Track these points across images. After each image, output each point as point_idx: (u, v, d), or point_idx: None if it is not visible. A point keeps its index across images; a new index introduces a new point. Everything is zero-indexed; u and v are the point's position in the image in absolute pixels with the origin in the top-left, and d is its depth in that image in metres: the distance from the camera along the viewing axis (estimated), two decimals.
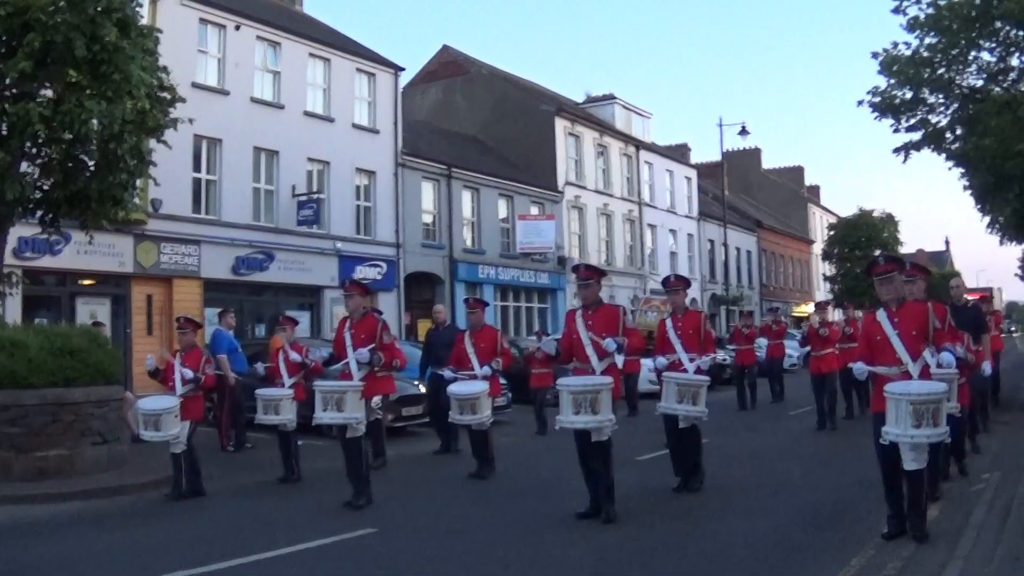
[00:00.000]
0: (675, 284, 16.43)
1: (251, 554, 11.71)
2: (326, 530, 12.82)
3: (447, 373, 19.38)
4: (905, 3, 35.08)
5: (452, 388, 18.28)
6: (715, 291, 72.62)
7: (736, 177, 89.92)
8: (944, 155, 37.31)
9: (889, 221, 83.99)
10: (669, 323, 16.00)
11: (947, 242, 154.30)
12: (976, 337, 17.07)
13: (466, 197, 51.21)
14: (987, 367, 18.41)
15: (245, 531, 13.43)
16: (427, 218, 48.52)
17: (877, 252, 79.06)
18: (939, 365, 11.48)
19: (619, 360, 13.79)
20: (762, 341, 36.10)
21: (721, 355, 28.92)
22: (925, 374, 11.34)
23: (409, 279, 46.51)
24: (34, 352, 17.87)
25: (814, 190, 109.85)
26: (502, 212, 53.53)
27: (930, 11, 34.43)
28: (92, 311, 32.50)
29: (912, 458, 10.96)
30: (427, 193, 48.90)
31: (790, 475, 17.53)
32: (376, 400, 16.85)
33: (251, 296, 40.01)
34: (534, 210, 54.83)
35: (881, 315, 11.74)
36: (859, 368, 11.75)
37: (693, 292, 69.50)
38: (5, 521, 14.23)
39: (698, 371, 15.50)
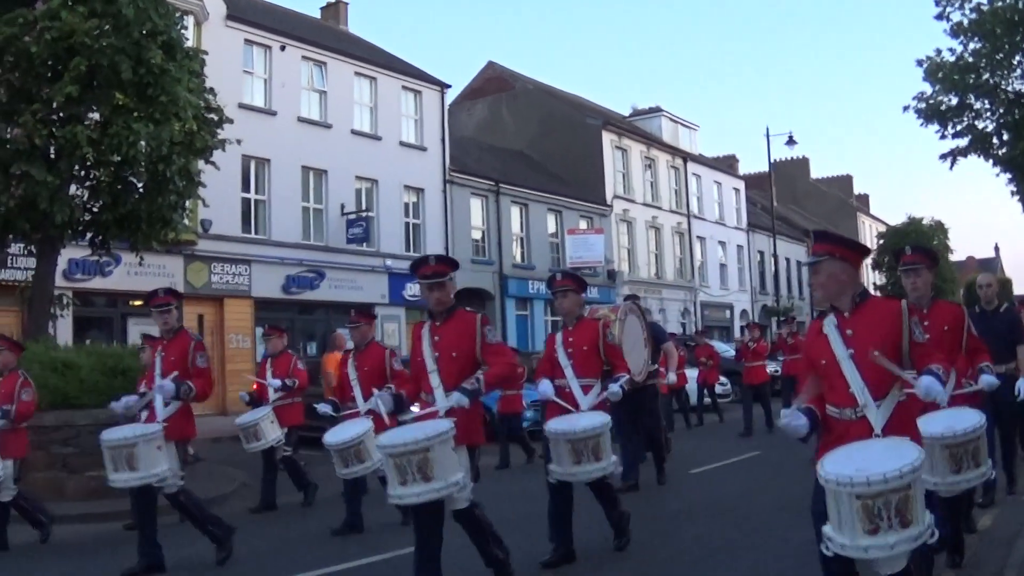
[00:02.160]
0: (562, 284, 12.52)
1: (301, 571, 11.72)
2: (376, 547, 12.80)
3: (322, 408, 15.27)
4: (948, 9, 34.96)
5: (325, 438, 14.14)
6: (766, 302, 72.31)
7: (784, 187, 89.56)
8: (991, 161, 37.09)
9: (939, 228, 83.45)
10: (559, 338, 12.41)
11: (997, 248, 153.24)
12: (1010, 349, 13.26)
13: (515, 213, 51.25)
14: (1022, 386, 12.53)
15: (296, 548, 13.44)
16: (476, 234, 48.55)
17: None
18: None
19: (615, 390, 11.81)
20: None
21: (671, 377, 22.23)
22: (902, 420, 7.09)
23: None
24: (85, 373, 17.97)
25: (863, 199, 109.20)
26: (551, 227, 53.44)
27: (973, 16, 34.31)
28: (143, 331, 32.70)
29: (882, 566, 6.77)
30: (476, 209, 48.99)
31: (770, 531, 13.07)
32: (277, 436, 16.70)
33: (302, 315, 40.20)
34: (583, 224, 54.78)
35: (829, 325, 7.36)
36: (788, 422, 7.18)
37: (743, 304, 69.24)
38: (60, 541, 14.31)
39: (601, 405, 11.94)
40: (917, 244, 11.61)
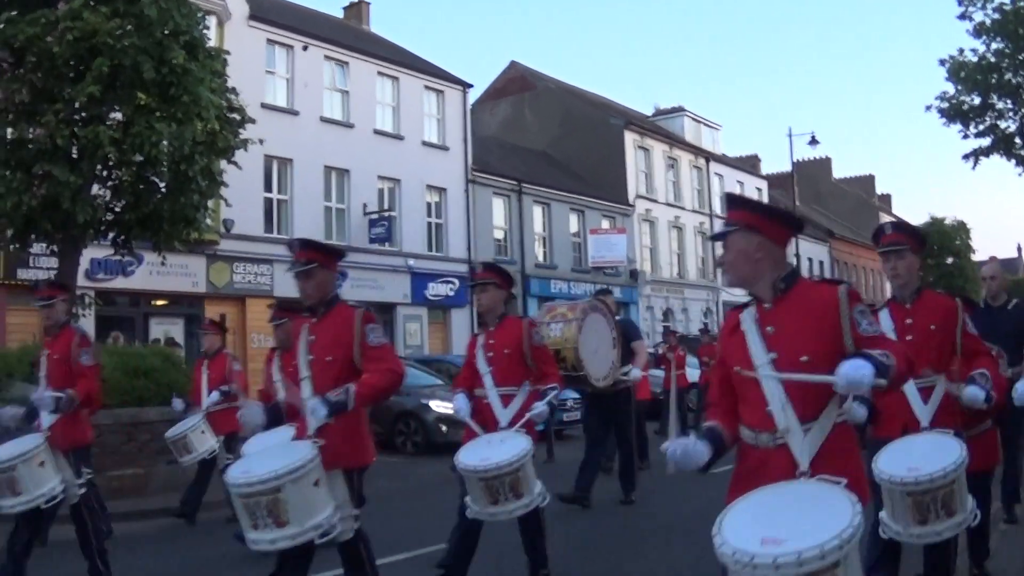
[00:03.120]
0: (483, 277, 10.91)
1: (319, 572, 11.71)
2: (400, 546, 12.78)
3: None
4: (971, 9, 34.88)
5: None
6: None
7: (807, 187, 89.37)
8: (1014, 160, 37.00)
9: (961, 228, 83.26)
10: (480, 341, 10.79)
11: (1019, 248, 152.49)
12: (1018, 351, 11.70)
13: (537, 212, 51.22)
14: (1022, 385, 10.38)
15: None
16: (498, 234, 48.55)
17: (950, 260, 78.60)
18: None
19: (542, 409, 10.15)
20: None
21: (635, 374, 16.79)
22: (837, 452, 5.37)
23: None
24: (108, 372, 17.94)
25: (885, 199, 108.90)
26: (573, 227, 53.45)
27: (996, 16, 34.23)
28: (165, 331, 32.76)
29: None
30: (498, 209, 49.07)
31: None
32: (210, 447, 15.27)
33: None
34: (605, 224, 54.73)
35: (747, 320, 5.69)
36: (674, 453, 5.48)
37: None
38: (71, 539, 14.35)
39: (526, 425, 10.20)
40: (899, 221, 9.37)
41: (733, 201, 5.86)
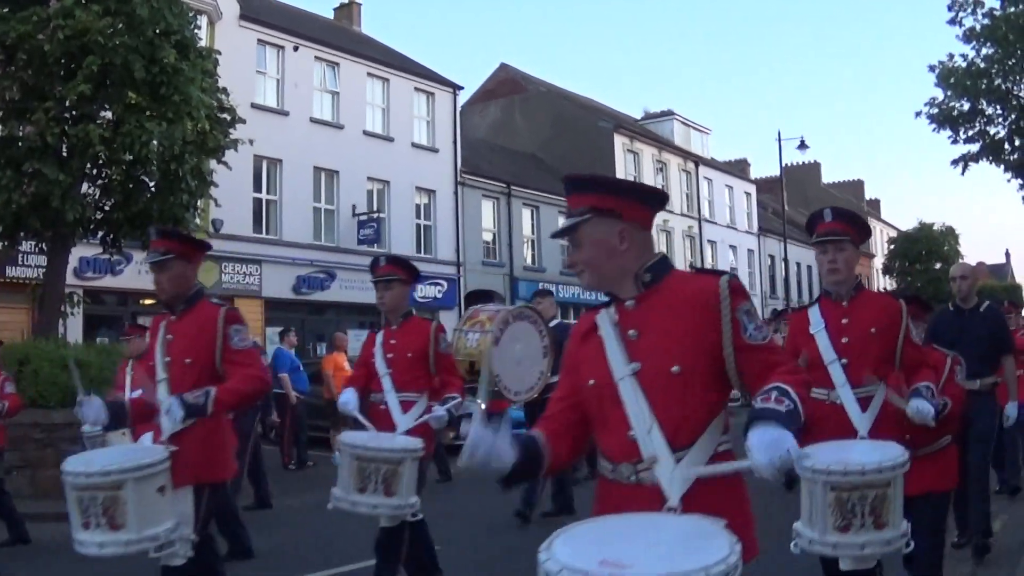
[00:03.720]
0: (386, 271, 9.78)
1: (309, 571, 11.75)
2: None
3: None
4: (961, 14, 34.98)
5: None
6: (776, 306, 72.26)
7: (796, 192, 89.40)
8: (1003, 167, 37.10)
9: (949, 234, 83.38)
10: (379, 339, 9.83)
11: (1007, 254, 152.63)
12: (990, 359, 11.19)
13: (526, 215, 51.30)
14: (1012, 409, 11.50)
15: (303, 548, 13.49)
16: (487, 236, 48.55)
17: (938, 266, 78.71)
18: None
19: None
20: None
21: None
22: (720, 490, 4.24)
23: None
24: (96, 371, 17.99)
25: (874, 204, 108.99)
26: None
27: (986, 22, 34.33)
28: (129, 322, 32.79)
29: None
30: (487, 211, 49.09)
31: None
32: None
33: (312, 315, 40.22)
34: None
35: (604, 323, 4.65)
36: (472, 453, 4.33)
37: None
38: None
39: (419, 429, 9.31)
40: (839, 208, 7.70)
41: (579, 183, 4.56)
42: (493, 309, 14.28)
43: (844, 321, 7.23)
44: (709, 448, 4.16)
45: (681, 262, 62.61)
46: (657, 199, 4.69)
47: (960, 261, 14.44)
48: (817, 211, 7.62)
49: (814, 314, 7.48)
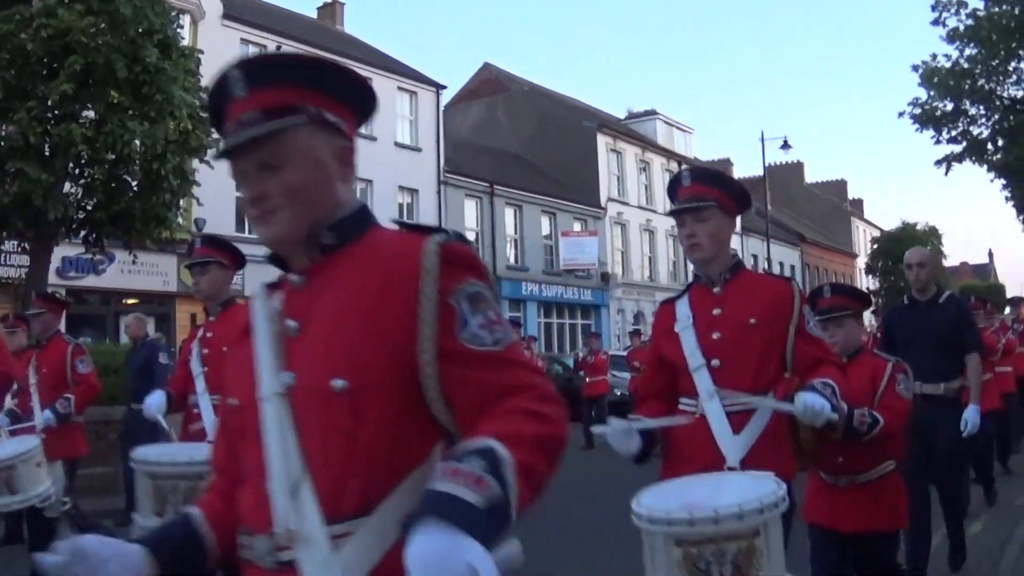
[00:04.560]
0: (203, 253, 8.61)
1: None
2: None
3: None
4: (944, 15, 35.04)
5: None
6: None
7: (779, 191, 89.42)
8: (986, 167, 37.16)
9: (932, 234, 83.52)
10: (199, 335, 8.58)
11: (991, 254, 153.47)
12: (951, 358, 9.80)
13: (509, 214, 51.27)
14: (972, 414, 9.81)
15: None
16: (470, 235, 48.24)
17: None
18: None
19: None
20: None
21: None
22: None
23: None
24: None
25: (857, 203, 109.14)
26: (545, 229, 53.45)
27: (969, 22, 34.39)
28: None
29: None
30: (470, 211, 49.14)
31: None
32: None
33: None
34: (577, 227, 54.75)
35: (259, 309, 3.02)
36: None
37: None
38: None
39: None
40: (701, 169, 6.20)
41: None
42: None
43: (716, 312, 5.48)
44: (391, 526, 2.54)
45: (664, 261, 62.76)
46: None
47: (916, 247, 10.48)
48: (676, 174, 5.98)
49: (681, 307, 5.71)
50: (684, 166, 6.02)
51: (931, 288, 10.11)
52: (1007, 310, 20.54)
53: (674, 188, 5.80)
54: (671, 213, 5.88)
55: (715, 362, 5.41)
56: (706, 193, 5.56)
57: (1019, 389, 17.98)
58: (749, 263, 72.03)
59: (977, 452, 13.22)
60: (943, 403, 9.63)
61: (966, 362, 10.00)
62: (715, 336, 5.47)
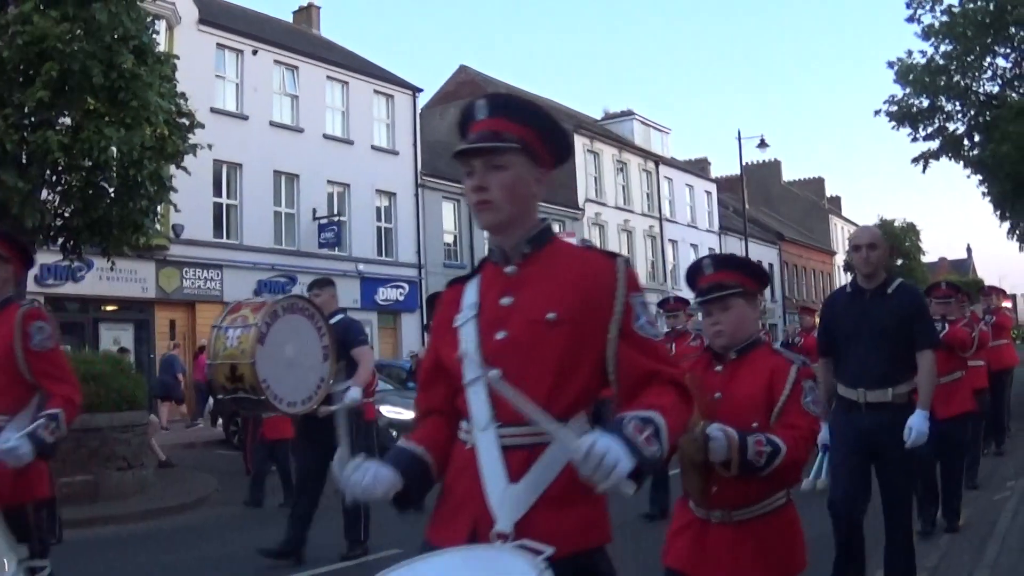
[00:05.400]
0: None
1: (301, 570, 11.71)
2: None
3: None
4: (919, 11, 35.11)
5: None
6: None
7: (756, 190, 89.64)
8: (962, 163, 37.27)
9: (910, 230, 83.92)
10: None
11: (969, 249, 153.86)
12: (902, 359, 8.32)
13: None
14: (918, 420, 8.11)
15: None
16: (448, 238, 48.62)
17: (899, 262, 79.14)
18: None
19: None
20: None
21: (352, 395, 11.60)
22: None
23: (431, 299, 46.37)
24: None
25: (835, 201, 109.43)
26: None
27: (944, 19, 34.48)
28: (115, 337, 32.72)
29: None
30: (448, 213, 49.14)
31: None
32: None
33: None
34: (555, 228, 54.36)
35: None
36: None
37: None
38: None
39: None
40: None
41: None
42: (256, 299, 12.40)
43: (505, 302, 3.90)
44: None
45: (642, 262, 62.80)
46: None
47: (864, 226, 10.01)
48: (470, 103, 4.24)
49: (470, 291, 4.08)
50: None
51: (879, 275, 8.58)
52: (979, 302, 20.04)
53: (467, 122, 4.14)
54: (458, 156, 4.00)
55: (495, 373, 3.74)
56: (506, 127, 3.91)
57: (995, 385, 17.52)
58: None
59: (948, 463, 12.03)
60: (891, 412, 8.20)
61: (918, 359, 8.36)
62: (499, 336, 3.84)
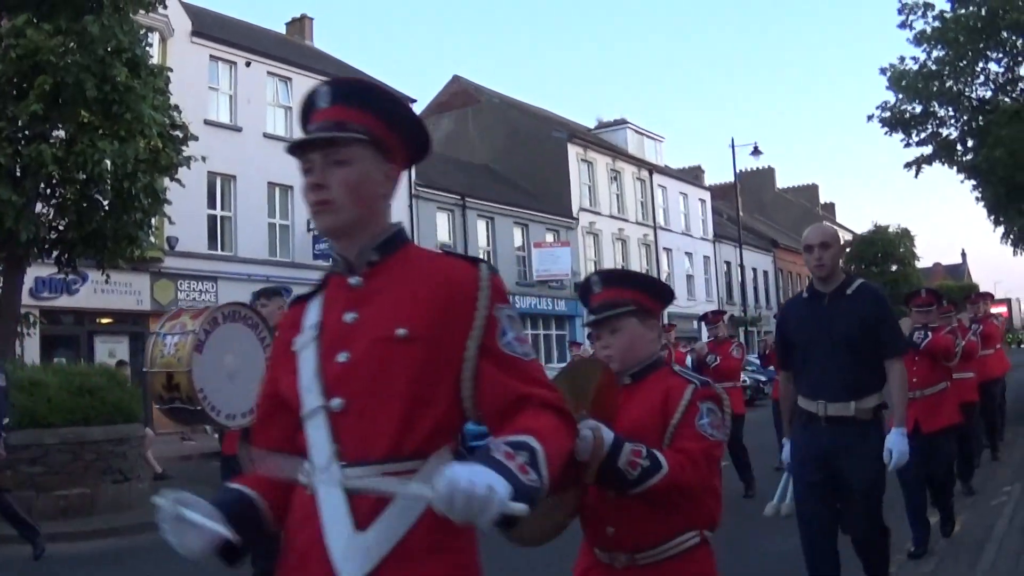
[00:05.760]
0: None
1: None
2: None
3: None
4: (911, 18, 35.16)
5: None
6: (733, 312, 72.44)
7: (750, 197, 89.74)
8: (955, 168, 37.30)
9: (905, 236, 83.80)
10: None
11: (963, 254, 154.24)
12: (869, 369, 7.59)
13: (481, 226, 51.39)
14: (896, 440, 7.65)
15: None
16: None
17: (894, 268, 79.22)
18: None
19: None
20: None
21: None
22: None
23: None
24: (53, 392, 17.90)
25: (829, 207, 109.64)
26: (517, 240, 53.52)
27: (936, 24, 34.52)
28: (111, 349, 32.68)
29: None
30: (442, 223, 49.15)
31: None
32: None
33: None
34: (549, 237, 54.79)
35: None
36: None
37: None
38: (27, 560, 14.26)
39: None
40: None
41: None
42: (196, 307, 11.75)
43: (349, 318, 3.34)
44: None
45: (637, 269, 62.66)
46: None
47: (816, 224, 8.72)
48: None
49: (313, 309, 3.50)
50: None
51: (837, 277, 7.87)
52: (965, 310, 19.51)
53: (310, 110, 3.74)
54: (294, 151, 3.58)
55: (336, 403, 3.21)
56: (347, 116, 3.47)
57: (984, 397, 16.66)
58: (722, 270, 72.47)
59: (938, 478, 11.40)
60: (854, 430, 7.49)
61: (886, 370, 7.66)
62: (340, 358, 3.27)
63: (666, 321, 60.49)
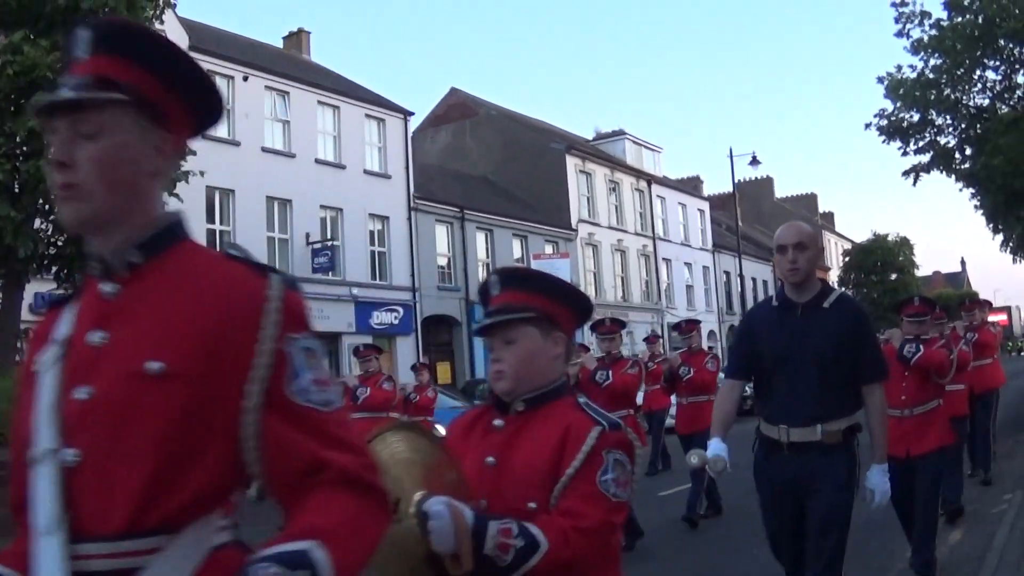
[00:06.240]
0: None
1: None
2: None
3: None
4: (908, 26, 35.20)
5: None
6: (732, 323, 72.26)
7: (749, 207, 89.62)
8: (954, 176, 37.31)
9: (904, 244, 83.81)
10: None
11: (963, 262, 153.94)
12: (842, 391, 6.66)
13: (480, 238, 51.21)
14: (876, 479, 6.76)
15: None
16: (442, 261, 48.59)
17: (893, 276, 79.11)
18: None
19: None
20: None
21: None
22: None
23: (426, 322, 46.45)
24: None
25: (828, 217, 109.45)
26: (516, 252, 53.26)
27: (933, 33, 34.55)
28: None
29: None
30: (441, 236, 48.98)
31: None
32: None
33: None
34: (548, 249, 54.65)
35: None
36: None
37: (710, 324, 69.23)
38: None
39: None
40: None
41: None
42: None
43: (95, 339, 2.49)
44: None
45: (637, 281, 62.66)
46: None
47: (790, 222, 7.61)
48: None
49: (66, 319, 2.64)
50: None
51: (813, 285, 6.89)
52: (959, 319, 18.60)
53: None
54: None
55: (70, 454, 2.38)
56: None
57: (976, 408, 15.89)
58: (722, 280, 72.55)
59: (920, 498, 10.11)
60: (819, 455, 6.57)
61: (864, 397, 6.73)
62: (81, 394, 2.43)
63: (665, 330, 60.41)
